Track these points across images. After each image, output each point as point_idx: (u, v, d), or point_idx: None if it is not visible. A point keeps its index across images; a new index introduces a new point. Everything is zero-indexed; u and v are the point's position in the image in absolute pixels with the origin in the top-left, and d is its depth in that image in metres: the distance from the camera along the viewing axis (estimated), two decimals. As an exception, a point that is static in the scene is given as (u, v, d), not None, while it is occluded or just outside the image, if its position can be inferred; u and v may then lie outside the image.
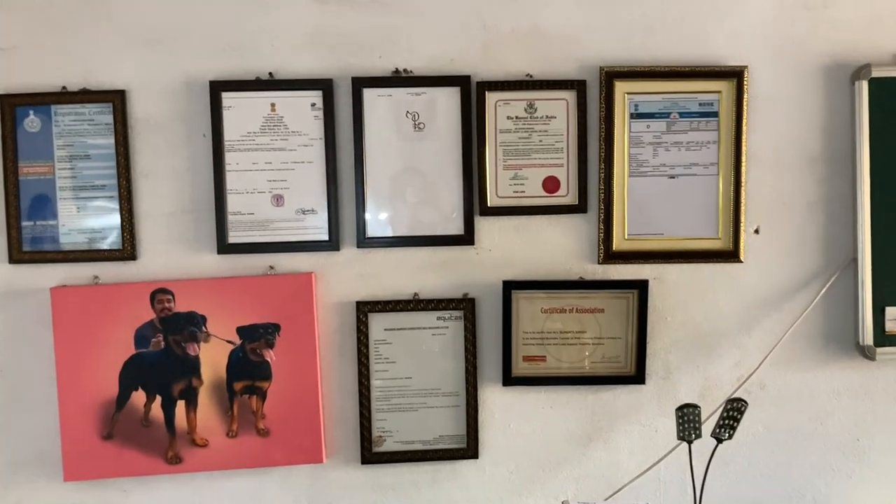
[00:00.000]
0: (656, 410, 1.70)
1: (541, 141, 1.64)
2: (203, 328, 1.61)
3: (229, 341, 1.61)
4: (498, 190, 1.64)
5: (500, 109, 1.63)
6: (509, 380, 1.66)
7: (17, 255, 1.60)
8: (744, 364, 1.69)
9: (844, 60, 1.64)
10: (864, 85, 1.60)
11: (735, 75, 1.62)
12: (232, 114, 1.60)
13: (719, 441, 1.51)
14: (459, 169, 1.62)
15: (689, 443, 1.51)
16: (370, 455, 1.66)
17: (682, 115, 1.64)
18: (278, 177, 1.61)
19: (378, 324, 1.65)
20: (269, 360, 1.62)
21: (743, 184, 1.63)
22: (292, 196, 1.62)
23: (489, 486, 1.70)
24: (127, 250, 1.60)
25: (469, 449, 1.67)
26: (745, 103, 1.62)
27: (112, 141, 1.59)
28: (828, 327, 1.69)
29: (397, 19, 1.61)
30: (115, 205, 1.60)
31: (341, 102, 1.61)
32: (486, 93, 1.61)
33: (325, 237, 1.62)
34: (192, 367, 1.61)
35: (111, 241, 1.61)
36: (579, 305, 1.66)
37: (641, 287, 1.64)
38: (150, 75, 1.60)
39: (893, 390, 1.71)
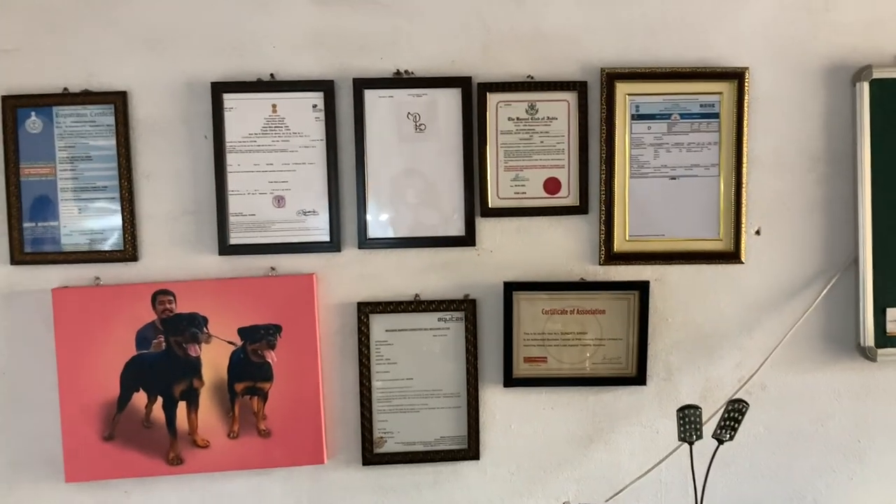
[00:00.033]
0: (657, 411, 1.70)
1: (542, 142, 1.64)
2: (204, 329, 1.61)
3: (230, 342, 1.61)
4: (499, 191, 1.64)
5: (501, 110, 1.63)
6: (510, 381, 1.66)
7: (19, 257, 1.60)
8: (745, 365, 1.69)
9: (845, 62, 1.64)
10: (865, 86, 1.60)
11: (736, 76, 1.62)
12: (233, 115, 1.60)
13: (720, 442, 1.51)
14: (460, 170, 1.62)
15: (691, 444, 1.52)
16: (371, 456, 1.66)
17: (683, 116, 1.64)
18: (279, 178, 1.61)
19: (379, 325, 1.65)
20: (270, 361, 1.62)
21: (744, 185, 1.63)
22: (293, 197, 1.62)
23: (490, 487, 1.70)
24: (128, 251, 1.61)
25: (470, 450, 1.67)
26: (746, 104, 1.62)
27: (113, 142, 1.59)
28: (829, 328, 1.69)
29: (398, 20, 1.61)
30: (116, 206, 1.60)
31: (342, 104, 1.62)
32: (487, 94, 1.61)
33: (327, 238, 1.62)
34: (194, 368, 1.61)
35: (112, 242, 1.61)
36: (580, 306, 1.66)
37: (642, 288, 1.64)
38: (152, 77, 1.60)
39: (894, 391, 1.71)
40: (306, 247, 1.63)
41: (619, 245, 1.65)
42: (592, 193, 1.65)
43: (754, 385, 1.68)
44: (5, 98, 1.58)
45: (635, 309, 1.65)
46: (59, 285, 1.61)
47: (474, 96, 1.61)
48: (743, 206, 1.64)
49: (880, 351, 1.62)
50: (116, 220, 1.61)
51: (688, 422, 1.50)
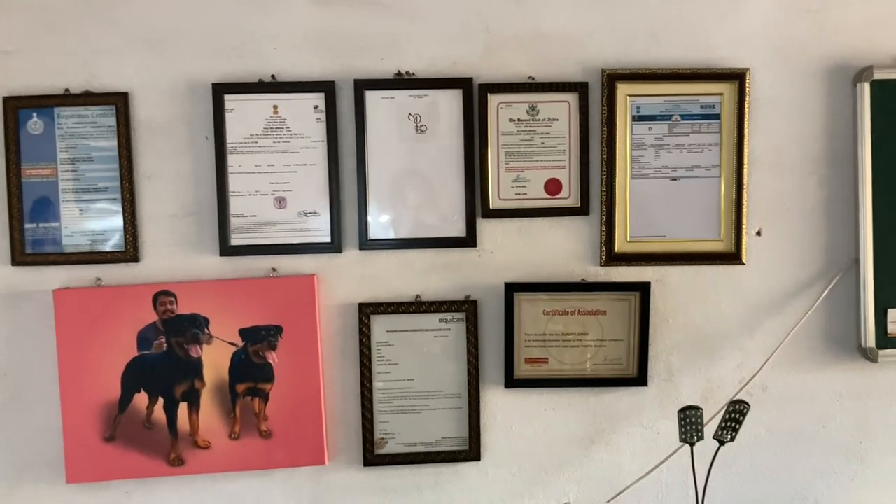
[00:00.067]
0: (658, 412, 1.70)
1: (543, 143, 1.64)
2: (205, 330, 1.61)
3: (232, 343, 1.61)
4: (500, 192, 1.64)
5: (502, 111, 1.63)
6: (511, 382, 1.66)
7: (20, 258, 1.60)
8: (746, 366, 1.69)
9: (846, 63, 1.64)
10: (866, 87, 1.60)
11: (737, 77, 1.62)
12: (234, 116, 1.60)
13: (721, 443, 1.51)
14: (461, 171, 1.63)
15: (692, 445, 1.52)
16: (372, 457, 1.66)
17: (683, 117, 1.64)
18: (281, 179, 1.61)
19: (380, 326, 1.65)
20: (271, 361, 1.62)
21: (745, 186, 1.63)
22: (295, 198, 1.62)
23: (491, 488, 1.70)
24: (129, 252, 1.61)
25: (471, 451, 1.67)
26: (746, 105, 1.62)
27: (115, 143, 1.59)
28: (830, 329, 1.69)
29: (399, 21, 1.61)
30: (117, 207, 1.60)
31: (344, 105, 1.62)
32: (488, 95, 1.61)
33: (328, 239, 1.62)
34: (195, 369, 1.61)
35: (114, 243, 1.61)
36: (581, 307, 1.66)
37: (643, 289, 1.64)
38: (153, 78, 1.60)
39: (895, 392, 1.71)
40: (307, 248, 1.63)
41: (619, 246, 1.65)
42: (593, 194, 1.65)
43: (755, 386, 1.68)
44: (7, 99, 1.58)
45: (636, 310, 1.65)
46: (61, 286, 1.61)
47: (475, 97, 1.61)
48: (744, 206, 1.64)
49: (881, 352, 1.62)
50: (118, 221, 1.61)
51: (689, 423, 1.50)
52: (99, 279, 1.62)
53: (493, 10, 1.62)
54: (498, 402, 1.69)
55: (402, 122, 1.62)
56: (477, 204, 1.63)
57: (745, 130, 1.62)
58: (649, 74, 1.62)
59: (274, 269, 1.63)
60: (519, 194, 1.64)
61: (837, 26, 1.65)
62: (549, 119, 1.63)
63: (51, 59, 1.59)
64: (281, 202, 1.62)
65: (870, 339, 1.63)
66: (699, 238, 1.66)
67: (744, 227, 1.64)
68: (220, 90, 1.59)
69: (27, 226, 1.60)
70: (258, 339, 1.61)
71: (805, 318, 1.67)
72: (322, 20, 1.61)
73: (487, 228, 1.65)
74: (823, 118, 1.66)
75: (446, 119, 1.62)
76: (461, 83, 1.61)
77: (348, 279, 1.65)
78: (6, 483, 1.65)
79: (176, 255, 1.63)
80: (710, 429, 1.53)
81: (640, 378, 1.67)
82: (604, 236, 1.64)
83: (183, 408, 1.62)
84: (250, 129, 1.60)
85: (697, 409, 1.50)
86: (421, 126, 1.62)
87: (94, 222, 1.61)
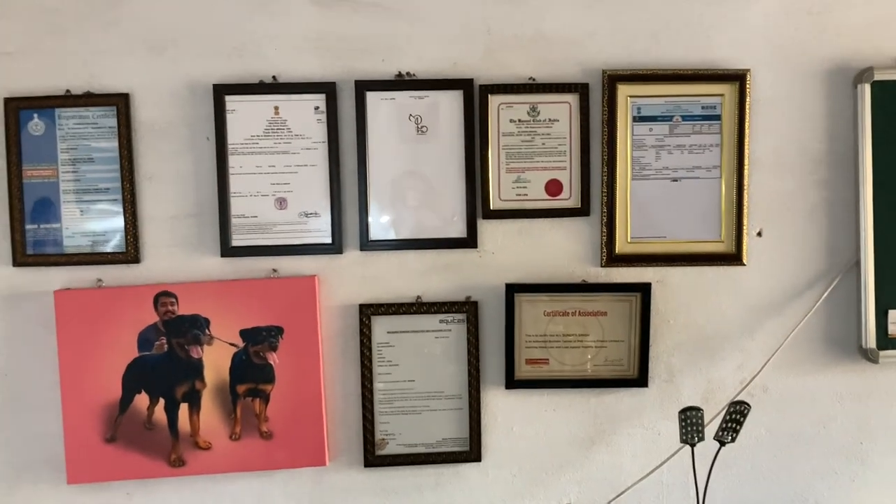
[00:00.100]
0: (659, 413, 1.70)
1: (543, 144, 1.64)
2: (206, 331, 1.61)
3: (232, 344, 1.61)
4: (501, 193, 1.64)
5: (502, 112, 1.63)
6: (512, 383, 1.66)
7: (21, 258, 1.60)
8: (746, 367, 1.69)
9: (847, 64, 1.64)
10: (867, 88, 1.60)
11: (738, 78, 1.62)
12: (235, 117, 1.60)
13: (722, 444, 1.51)
14: (462, 172, 1.63)
15: (692, 446, 1.52)
16: (373, 458, 1.66)
17: (684, 118, 1.64)
18: (281, 180, 1.62)
19: (381, 327, 1.65)
20: (272, 362, 1.62)
21: (745, 187, 1.63)
22: (295, 199, 1.62)
23: (492, 489, 1.70)
24: (130, 253, 1.61)
25: (472, 452, 1.67)
26: (747, 106, 1.62)
27: (116, 144, 1.59)
28: (830, 330, 1.69)
29: (400, 22, 1.61)
30: (118, 208, 1.61)
31: (344, 106, 1.62)
32: (489, 96, 1.61)
33: (329, 240, 1.62)
34: (196, 369, 1.61)
35: (114, 244, 1.61)
36: (582, 308, 1.66)
37: (644, 290, 1.64)
38: (154, 79, 1.60)
39: (896, 393, 1.71)
40: (308, 248, 1.63)
41: (620, 247, 1.65)
42: (594, 195, 1.65)
43: (756, 387, 1.68)
44: (8, 100, 1.58)
45: (637, 311, 1.65)
46: (61, 287, 1.61)
47: (476, 98, 1.61)
48: (744, 207, 1.64)
49: (882, 353, 1.62)
50: (118, 222, 1.61)
51: (689, 424, 1.50)
52: (100, 280, 1.62)
53: (493, 11, 1.62)
54: (499, 403, 1.69)
55: (402, 123, 1.62)
56: (477, 205, 1.63)
57: (746, 131, 1.62)
58: (650, 75, 1.62)
59: (275, 270, 1.63)
60: (520, 195, 1.64)
61: (838, 27, 1.64)
62: (549, 120, 1.63)
63: (52, 60, 1.59)
64: (282, 203, 1.62)
65: (870, 340, 1.63)
66: (700, 239, 1.66)
67: (744, 227, 1.64)
68: (221, 91, 1.59)
69: (28, 227, 1.60)
70: (259, 339, 1.61)
71: (806, 319, 1.67)
72: (323, 21, 1.61)
73: (488, 229, 1.65)
74: (824, 119, 1.66)
75: (447, 120, 1.62)
76: (462, 84, 1.61)
77: (349, 280, 1.65)
78: (6, 483, 1.65)
79: (177, 255, 1.63)
80: (710, 430, 1.53)
81: (640, 379, 1.67)
82: (604, 237, 1.64)
83: (184, 409, 1.62)
84: (251, 130, 1.60)
85: (698, 409, 1.50)
86: (422, 127, 1.62)
87: (95, 223, 1.61)
